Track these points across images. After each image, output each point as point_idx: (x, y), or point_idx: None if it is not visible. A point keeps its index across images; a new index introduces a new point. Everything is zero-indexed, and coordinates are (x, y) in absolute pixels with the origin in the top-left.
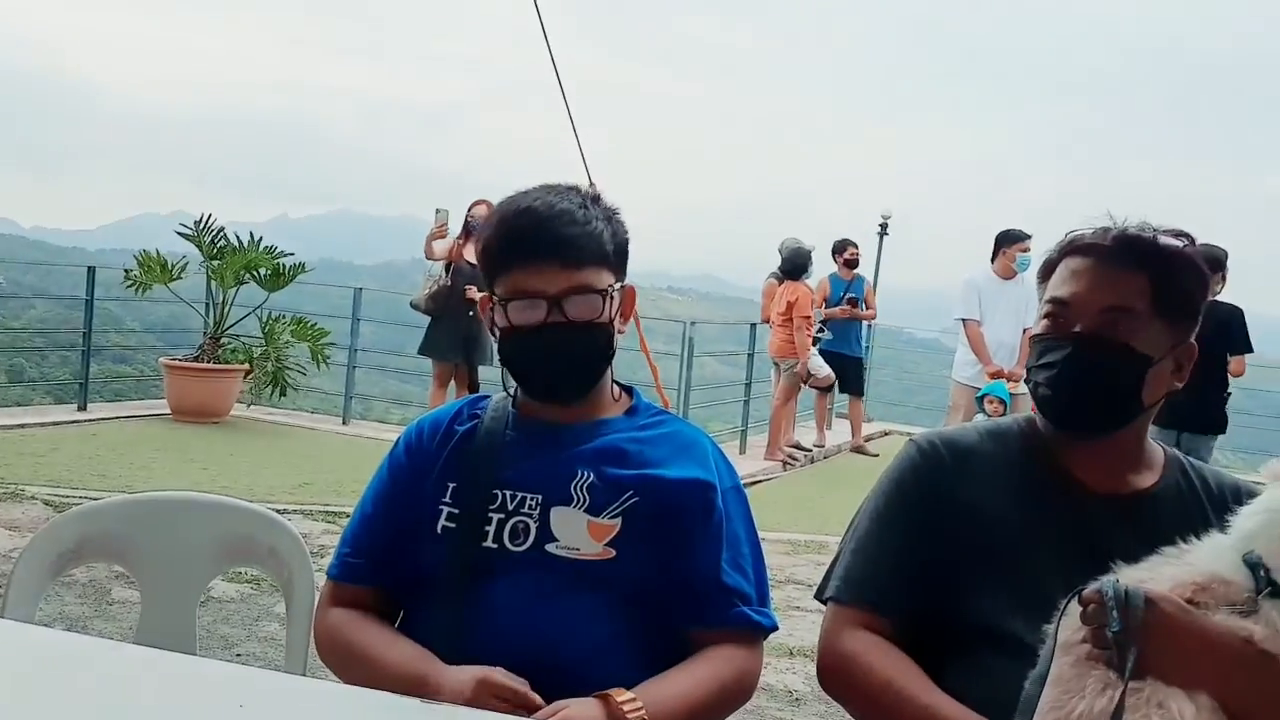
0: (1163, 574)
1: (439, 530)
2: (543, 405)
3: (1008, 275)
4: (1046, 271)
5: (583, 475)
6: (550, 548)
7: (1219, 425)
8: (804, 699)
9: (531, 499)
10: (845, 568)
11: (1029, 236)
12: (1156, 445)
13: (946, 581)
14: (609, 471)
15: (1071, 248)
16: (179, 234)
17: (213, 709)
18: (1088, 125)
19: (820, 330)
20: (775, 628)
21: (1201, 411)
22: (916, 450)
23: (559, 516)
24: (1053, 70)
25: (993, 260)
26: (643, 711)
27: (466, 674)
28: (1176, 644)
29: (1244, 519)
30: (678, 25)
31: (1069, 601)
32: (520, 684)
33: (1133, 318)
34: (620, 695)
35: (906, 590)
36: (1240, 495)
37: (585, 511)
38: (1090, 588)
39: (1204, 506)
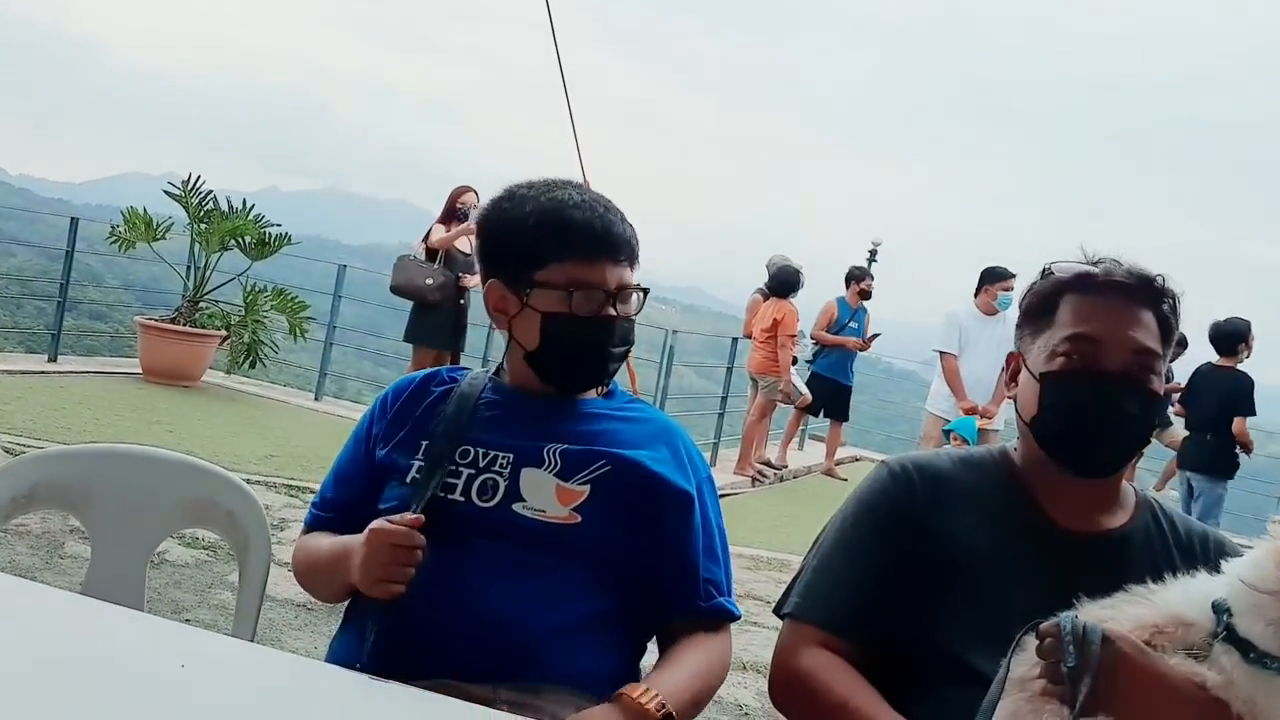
0: (1126, 612)
1: (408, 481)
2: (530, 380)
3: (990, 312)
4: (1043, 306)
5: (557, 441)
6: (517, 507)
7: (1231, 470)
8: (754, 715)
9: (503, 458)
10: (806, 585)
11: (1013, 275)
12: (1129, 487)
13: (910, 609)
14: (584, 441)
15: (1085, 283)
16: (166, 193)
17: (153, 666)
18: (1089, 174)
19: (819, 352)
20: (740, 616)
21: (1217, 457)
22: (888, 473)
23: (528, 477)
24: (1057, 116)
25: (976, 295)
26: (659, 698)
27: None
28: (1130, 684)
29: (1229, 564)
30: (689, 41)
31: (1024, 634)
32: (404, 521)
33: (1155, 359)
34: (635, 690)
35: (867, 613)
36: (1209, 544)
37: (555, 475)
38: (1048, 622)
39: (1171, 551)
